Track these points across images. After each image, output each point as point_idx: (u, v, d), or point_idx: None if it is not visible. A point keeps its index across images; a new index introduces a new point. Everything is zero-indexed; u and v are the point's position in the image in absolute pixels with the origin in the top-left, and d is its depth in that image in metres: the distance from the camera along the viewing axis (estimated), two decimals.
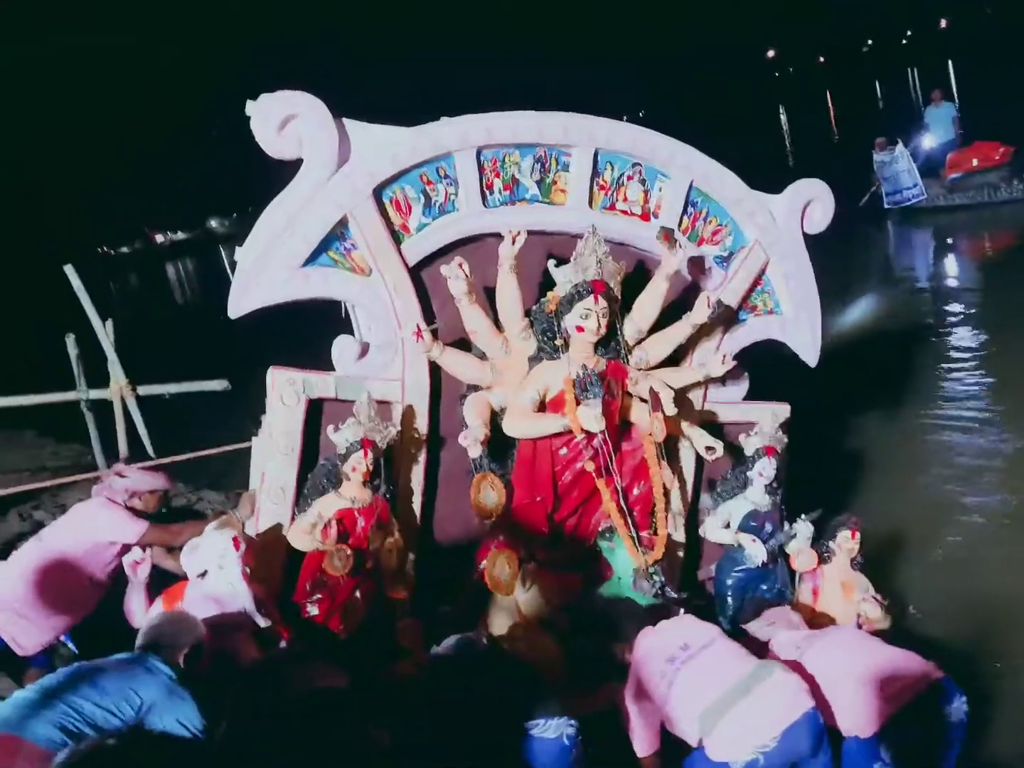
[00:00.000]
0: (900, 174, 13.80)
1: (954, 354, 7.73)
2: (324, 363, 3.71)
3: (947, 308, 9.27)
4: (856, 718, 2.92)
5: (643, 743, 3.07)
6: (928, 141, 14.35)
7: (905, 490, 5.51)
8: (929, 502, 5.35)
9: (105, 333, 7.06)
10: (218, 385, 7.26)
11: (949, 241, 12.66)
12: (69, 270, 6.85)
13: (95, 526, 3.64)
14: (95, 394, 7.34)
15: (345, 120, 3.49)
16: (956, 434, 6.19)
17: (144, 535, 3.63)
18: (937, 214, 13.64)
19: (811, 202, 4.22)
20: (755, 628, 3.66)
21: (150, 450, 7.07)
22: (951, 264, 11.86)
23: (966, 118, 14.97)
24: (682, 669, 2.94)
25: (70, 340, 7.19)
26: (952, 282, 10.76)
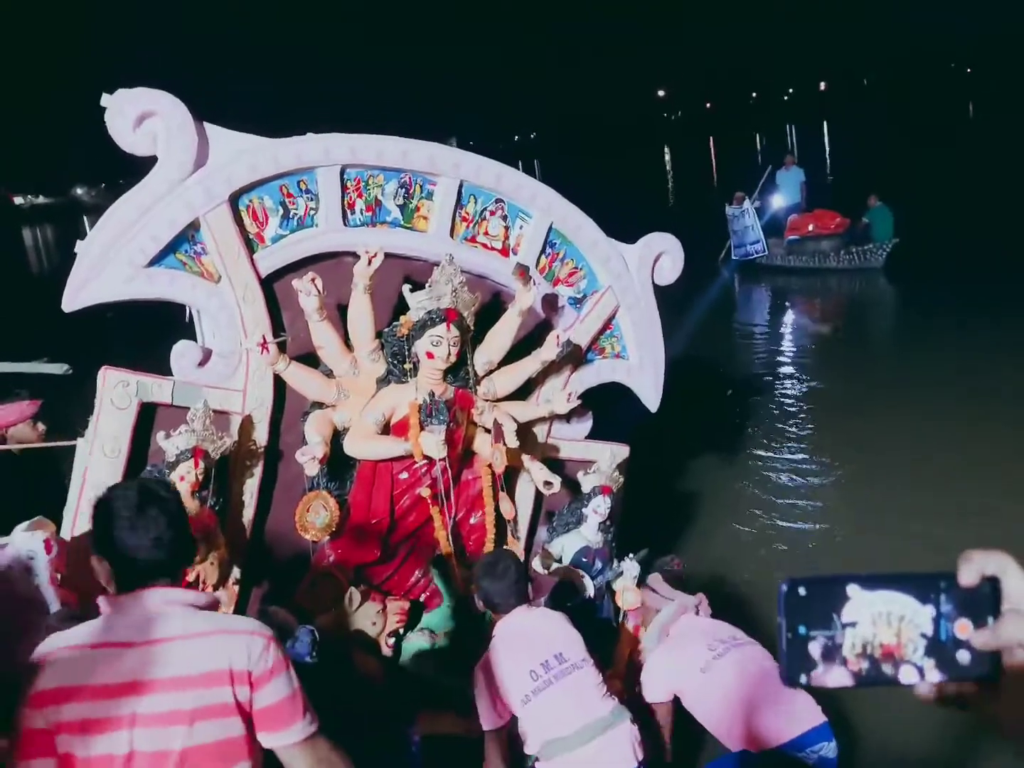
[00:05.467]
0: (746, 229, 14.81)
1: (783, 401, 8.32)
2: (161, 365, 3.60)
3: (777, 359, 10.03)
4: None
5: (489, 717, 3.07)
6: (777, 201, 15.38)
7: (728, 528, 5.85)
8: (751, 539, 5.69)
9: None
10: (58, 369, 6.87)
11: (786, 301, 13.56)
12: None
13: None
14: None
15: (206, 124, 3.41)
16: (783, 475, 6.64)
17: None
18: (776, 273, 14.62)
19: (662, 254, 4.41)
20: None
21: None
22: (785, 320, 12.71)
23: (825, 181, 16.08)
24: (545, 690, 3.00)
25: None
26: (784, 336, 11.56)
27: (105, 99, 3.26)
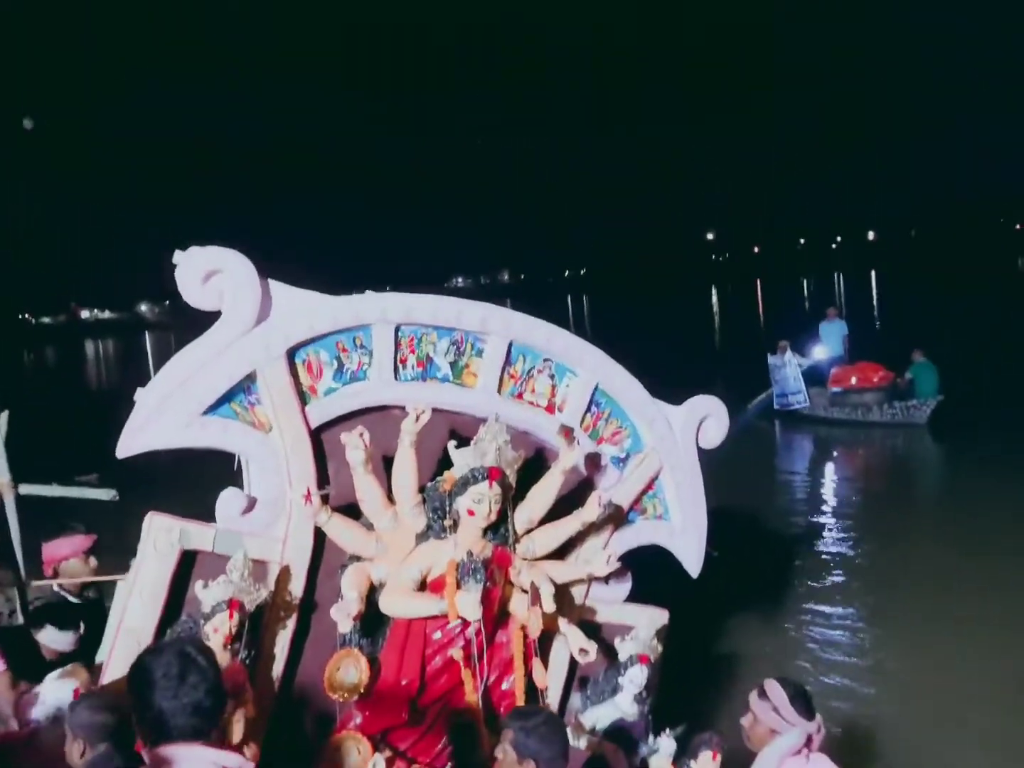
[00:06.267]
0: (788, 379, 14.81)
1: (825, 558, 8.11)
2: (202, 504, 3.65)
3: (819, 513, 9.92)
4: None
5: None
6: (819, 353, 15.43)
7: None
8: None
9: None
10: (105, 495, 6.98)
11: (827, 452, 13.46)
12: None
13: None
14: None
15: (270, 281, 3.57)
16: (830, 634, 6.43)
17: None
18: (817, 424, 14.48)
19: (707, 418, 4.42)
20: None
21: (19, 553, 6.70)
22: (826, 471, 12.53)
23: (871, 331, 16.19)
24: None
25: None
26: (826, 490, 11.35)
27: (177, 256, 3.44)
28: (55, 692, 3.01)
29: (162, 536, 3.41)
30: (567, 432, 3.84)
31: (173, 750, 2.00)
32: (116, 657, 3.37)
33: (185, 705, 2.01)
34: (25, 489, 6.88)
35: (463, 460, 3.74)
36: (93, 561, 4.53)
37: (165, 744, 2.01)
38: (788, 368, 14.71)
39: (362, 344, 3.81)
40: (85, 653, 3.93)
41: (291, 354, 3.64)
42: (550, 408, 4.21)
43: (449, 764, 3.77)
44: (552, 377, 4.19)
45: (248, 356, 3.51)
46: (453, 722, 3.79)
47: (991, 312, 25.26)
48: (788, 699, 3.21)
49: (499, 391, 4.08)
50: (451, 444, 3.86)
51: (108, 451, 3.56)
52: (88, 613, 4.34)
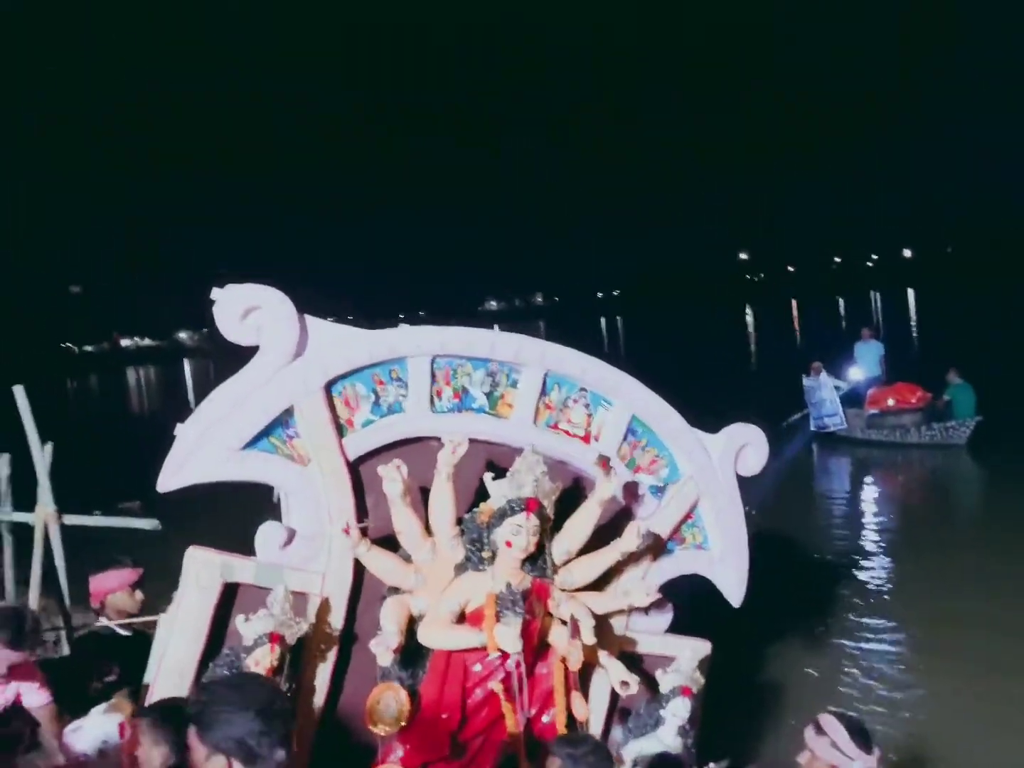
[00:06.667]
0: (824, 402, 14.63)
1: (866, 580, 7.99)
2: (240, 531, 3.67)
3: (860, 535, 9.68)
4: None
5: None
6: (855, 374, 15.21)
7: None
8: None
9: (42, 456, 6.90)
10: (148, 524, 7.06)
11: (871, 473, 13.20)
12: (18, 391, 6.77)
13: None
14: (19, 517, 7.11)
15: (306, 316, 3.62)
16: (875, 662, 6.30)
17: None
18: (856, 445, 14.26)
19: (745, 446, 4.38)
20: None
21: (64, 583, 6.79)
22: (867, 494, 12.31)
23: (909, 352, 15.98)
24: None
25: (3, 459, 7.02)
26: (866, 511, 11.18)
27: (215, 293, 3.50)
28: (101, 725, 3.04)
29: (204, 570, 3.44)
30: (604, 462, 3.82)
31: None
32: (159, 689, 3.40)
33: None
34: (70, 520, 7.01)
35: (500, 491, 3.74)
36: (139, 595, 4.57)
37: None
38: (824, 390, 14.54)
39: (398, 377, 3.83)
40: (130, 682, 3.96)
41: (328, 388, 3.68)
42: (586, 438, 4.20)
43: None
44: (588, 407, 4.18)
45: (286, 390, 3.55)
46: (494, 756, 3.76)
47: None
48: (847, 734, 3.15)
49: (535, 421, 4.08)
50: (488, 476, 3.86)
51: (150, 479, 3.60)
52: (134, 645, 4.37)
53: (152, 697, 3.41)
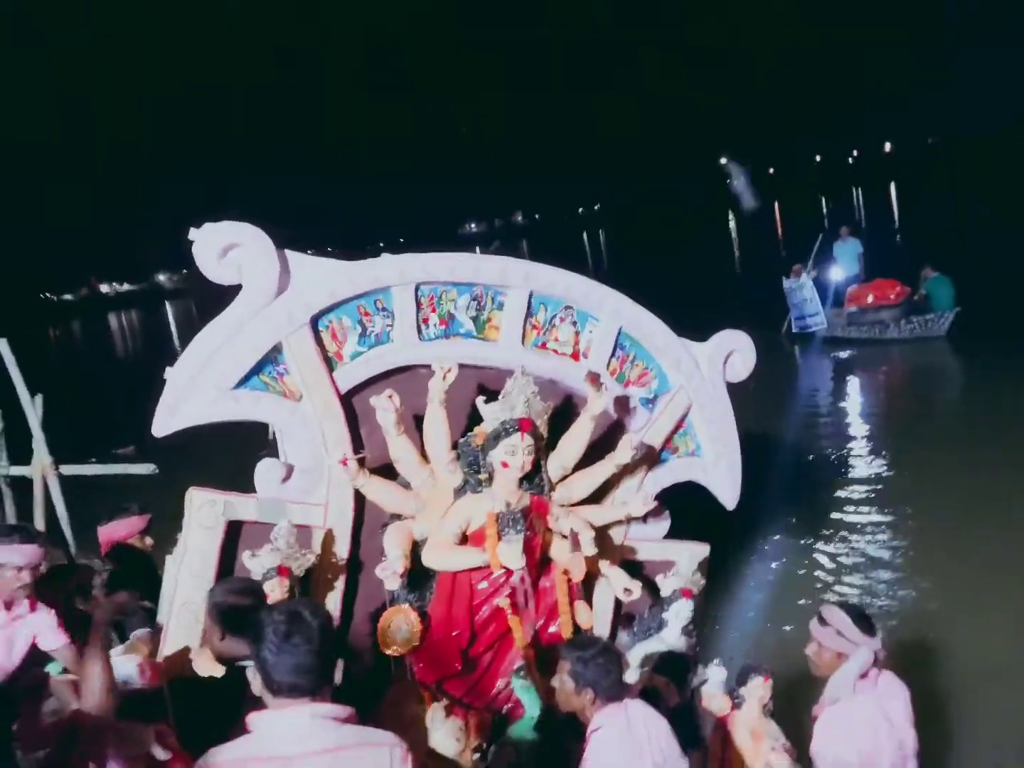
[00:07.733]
0: (805, 302, 14.69)
1: (861, 483, 8.14)
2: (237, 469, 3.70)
3: (845, 433, 9.93)
4: None
5: None
6: (835, 273, 15.22)
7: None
8: None
9: (33, 410, 6.91)
10: (145, 469, 7.12)
11: (854, 370, 13.37)
12: (2, 344, 6.73)
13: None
14: (16, 471, 7.16)
15: (287, 251, 3.58)
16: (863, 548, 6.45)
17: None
18: (837, 344, 14.38)
19: (733, 352, 4.41)
20: None
21: (68, 533, 6.88)
22: (849, 393, 12.49)
23: (891, 247, 15.95)
24: None
25: None
26: (849, 411, 11.35)
27: (192, 233, 3.44)
28: (120, 667, 3.09)
29: (206, 510, 3.48)
30: (594, 378, 3.85)
31: (283, 710, 2.08)
32: (174, 630, 3.48)
33: (289, 665, 2.07)
34: (68, 470, 7.08)
35: (493, 414, 3.76)
36: (149, 540, 4.64)
37: (273, 696, 2.09)
38: (805, 291, 14.60)
39: (383, 307, 3.82)
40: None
41: (314, 322, 3.66)
42: (575, 355, 4.21)
43: (505, 707, 3.88)
44: (575, 324, 4.19)
45: (272, 327, 3.53)
46: (505, 667, 3.89)
47: (1017, 220, 24.64)
48: (850, 620, 3.23)
49: (523, 342, 4.09)
50: (480, 399, 3.88)
51: (142, 424, 3.61)
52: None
53: (167, 637, 3.49)
